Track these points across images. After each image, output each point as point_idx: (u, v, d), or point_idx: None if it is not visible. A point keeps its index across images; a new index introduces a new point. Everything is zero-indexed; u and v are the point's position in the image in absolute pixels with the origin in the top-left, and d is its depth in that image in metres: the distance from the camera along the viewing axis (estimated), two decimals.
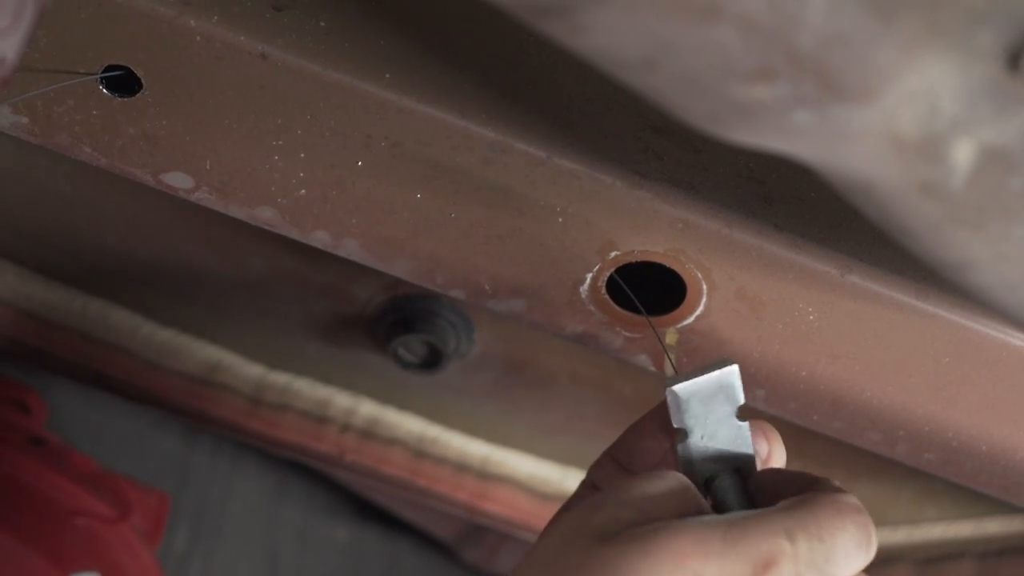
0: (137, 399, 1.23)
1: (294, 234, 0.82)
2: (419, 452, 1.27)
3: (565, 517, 0.72)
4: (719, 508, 0.75)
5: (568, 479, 1.26)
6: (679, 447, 0.75)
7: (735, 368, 0.74)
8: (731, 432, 0.75)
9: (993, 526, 1.21)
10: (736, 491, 0.75)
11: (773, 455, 0.78)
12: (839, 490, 0.71)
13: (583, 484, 0.82)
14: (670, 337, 0.83)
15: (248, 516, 1.77)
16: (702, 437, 0.75)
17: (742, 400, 0.75)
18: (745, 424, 0.75)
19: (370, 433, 1.25)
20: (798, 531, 0.68)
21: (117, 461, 1.58)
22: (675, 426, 0.74)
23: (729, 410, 0.75)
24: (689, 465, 0.75)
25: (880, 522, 1.26)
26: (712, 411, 0.74)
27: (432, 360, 1.10)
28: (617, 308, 0.83)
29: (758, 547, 0.67)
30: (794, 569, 0.67)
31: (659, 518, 0.69)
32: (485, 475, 1.27)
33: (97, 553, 1.33)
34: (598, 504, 0.71)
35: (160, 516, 1.43)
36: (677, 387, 0.74)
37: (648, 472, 0.73)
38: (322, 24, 0.78)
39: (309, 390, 1.25)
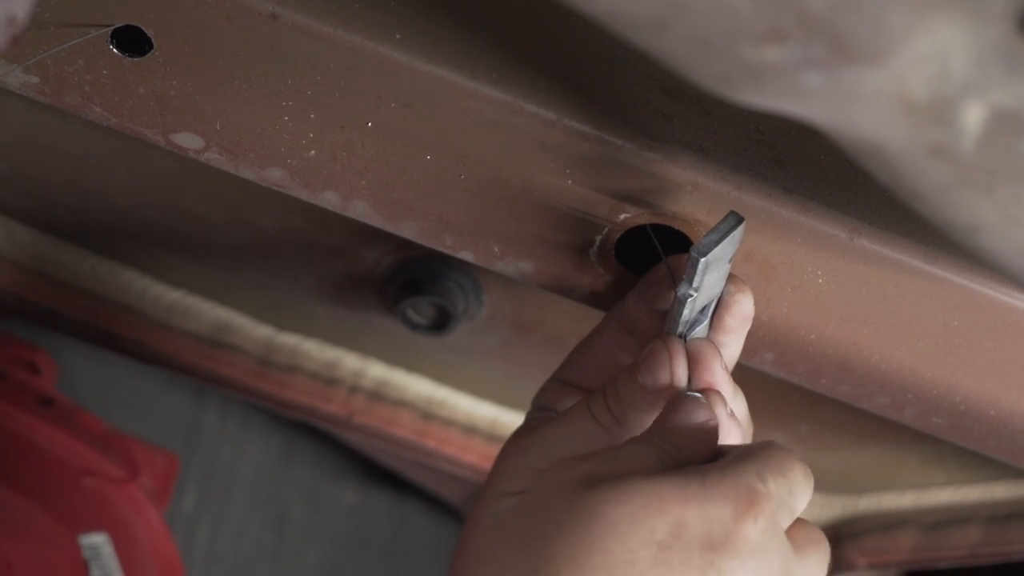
0: (146, 360, 1.23)
1: (303, 195, 0.82)
2: (427, 414, 1.27)
3: (553, 467, 0.73)
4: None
5: None
6: (676, 310, 0.76)
7: (744, 221, 0.74)
8: (716, 280, 0.76)
9: (1000, 491, 1.21)
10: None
11: (739, 297, 0.79)
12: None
13: (535, 408, 0.84)
14: None
15: (256, 477, 1.77)
16: (697, 298, 0.75)
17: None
18: (728, 265, 0.76)
19: (379, 395, 1.26)
20: (765, 471, 0.71)
21: (126, 422, 1.58)
22: (683, 292, 0.74)
23: (728, 262, 0.76)
24: (677, 325, 0.76)
25: (888, 487, 1.26)
26: (718, 268, 0.75)
27: (441, 322, 1.10)
28: (626, 270, 0.83)
29: (736, 488, 0.69)
30: (771, 508, 0.70)
31: (642, 470, 0.71)
32: (494, 437, 1.28)
33: (106, 513, 1.34)
34: (584, 457, 0.73)
35: (169, 477, 1.44)
36: (708, 255, 0.73)
37: (637, 438, 0.74)
38: None
39: (318, 351, 1.25)
